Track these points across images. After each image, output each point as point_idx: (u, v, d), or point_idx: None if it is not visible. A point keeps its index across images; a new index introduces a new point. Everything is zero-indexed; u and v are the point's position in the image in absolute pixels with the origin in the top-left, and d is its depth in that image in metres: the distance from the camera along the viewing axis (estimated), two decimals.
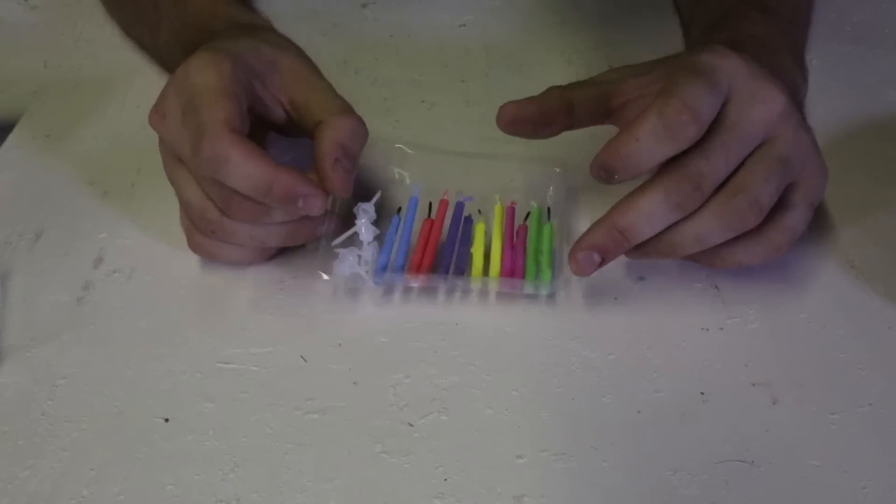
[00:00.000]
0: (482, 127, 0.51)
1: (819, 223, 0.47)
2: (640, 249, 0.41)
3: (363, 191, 0.45)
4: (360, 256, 0.43)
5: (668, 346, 0.41)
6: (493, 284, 0.43)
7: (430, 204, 0.46)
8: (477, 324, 0.42)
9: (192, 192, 0.41)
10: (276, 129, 0.46)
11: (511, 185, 0.48)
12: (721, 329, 0.42)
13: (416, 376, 0.40)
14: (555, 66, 0.60)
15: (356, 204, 0.44)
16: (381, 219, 0.45)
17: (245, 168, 0.38)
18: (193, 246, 0.44)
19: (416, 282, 0.43)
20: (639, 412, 0.38)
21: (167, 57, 0.53)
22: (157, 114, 0.42)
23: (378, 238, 0.44)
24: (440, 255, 0.44)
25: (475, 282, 0.43)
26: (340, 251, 0.43)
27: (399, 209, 0.45)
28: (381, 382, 0.40)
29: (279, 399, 0.39)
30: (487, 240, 0.44)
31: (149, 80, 0.58)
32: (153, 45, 0.57)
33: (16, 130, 0.56)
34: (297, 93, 0.44)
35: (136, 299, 0.44)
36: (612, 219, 0.39)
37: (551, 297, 0.43)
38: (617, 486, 0.35)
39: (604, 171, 0.39)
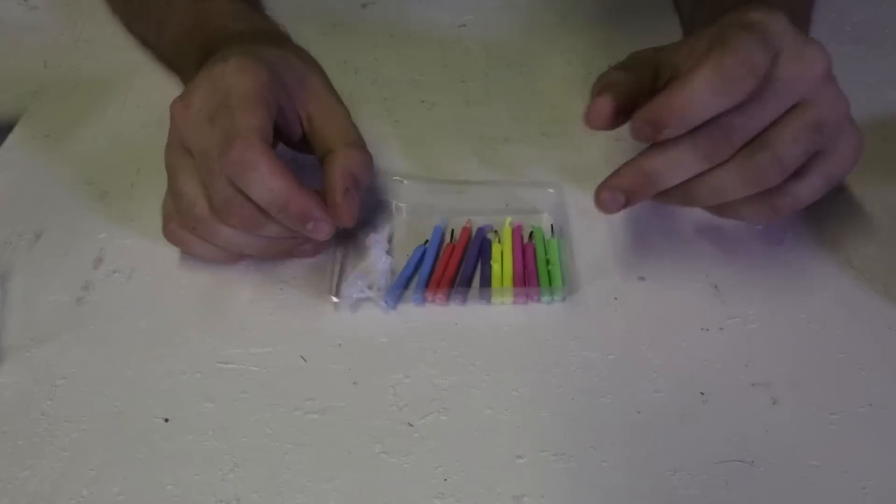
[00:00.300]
0: (482, 127, 0.51)
1: (818, 223, 0.47)
2: (662, 195, 0.40)
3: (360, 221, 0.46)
4: (370, 282, 0.43)
5: (668, 346, 0.41)
6: (510, 296, 0.43)
7: (452, 231, 0.47)
8: (476, 324, 0.42)
9: (190, 183, 0.41)
10: (287, 141, 0.46)
11: (506, 209, 0.48)
12: (721, 329, 0.42)
13: (416, 376, 0.40)
14: (554, 67, 0.60)
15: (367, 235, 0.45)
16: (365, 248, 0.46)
17: (270, 180, 0.39)
18: (167, 233, 0.43)
19: (434, 298, 0.43)
20: (638, 412, 0.38)
21: (174, 54, 0.53)
22: (182, 103, 0.41)
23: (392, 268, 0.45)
24: (460, 272, 0.44)
25: (496, 294, 0.43)
26: (350, 276, 0.43)
27: (426, 241, 0.46)
28: (381, 382, 0.40)
29: (279, 399, 0.39)
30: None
31: (149, 81, 0.58)
32: (158, 42, 0.56)
33: (16, 130, 0.56)
34: (317, 113, 0.44)
35: (136, 299, 0.44)
36: (639, 162, 0.39)
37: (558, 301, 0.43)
38: (617, 487, 0.35)
39: (650, 127, 0.38)
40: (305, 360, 0.41)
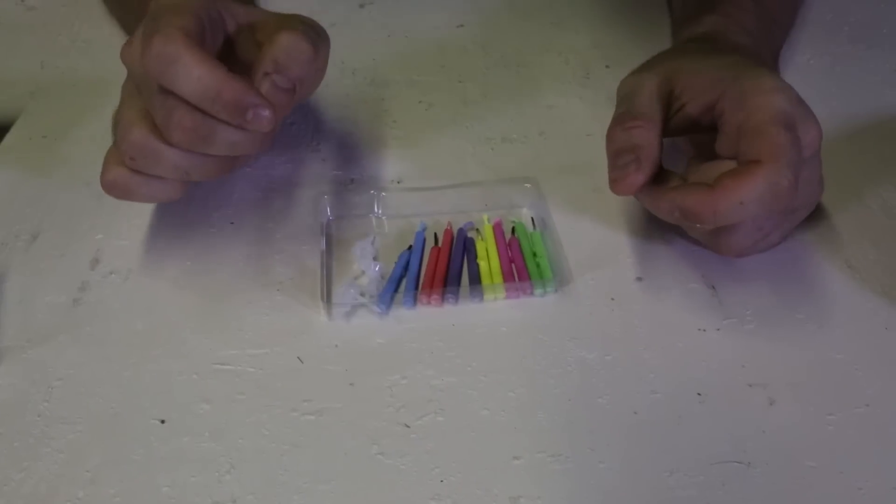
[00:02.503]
0: (480, 127, 0.51)
1: (817, 223, 0.47)
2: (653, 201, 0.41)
3: (355, 232, 0.46)
4: (361, 290, 0.43)
5: (665, 346, 0.41)
6: (502, 291, 0.43)
7: (435, 234, 0.47)
8: (473, 325, 0.42)
9: (131, 111, 0.40)
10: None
11: (486, 207, 0.48)
12: (718, 330, 0.42)
13: (413, 377, 0.40)
14: (552, 66, 0.60)
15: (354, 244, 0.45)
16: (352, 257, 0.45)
17: (195, 69, 0.37)
18: (107, 182, 0.41)
19: (428, 300, 0.43)
20: (635, 413, 0.38)
21: None
22: (126, 43, 0.40)
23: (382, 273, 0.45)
24: (450, 274, 0.44)
25: (487, 291, 0.43)
26: (340, 285, 0.43)
27: (410, 246, 0.46)
28: (378, 383, 0.40)
29: (275, 400, 0.39)
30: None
31: None
32: None
33: (12, 131, 0.55)
34: (261, 20, 0.43)
35: (133, 300, 0.44)
36: (713, 203, 0.38)
37: (550, 295, 0.43)
38: (614, 488, 0.35)
39: (686, 218, 0.39)
40: (302, 362, 0.41)
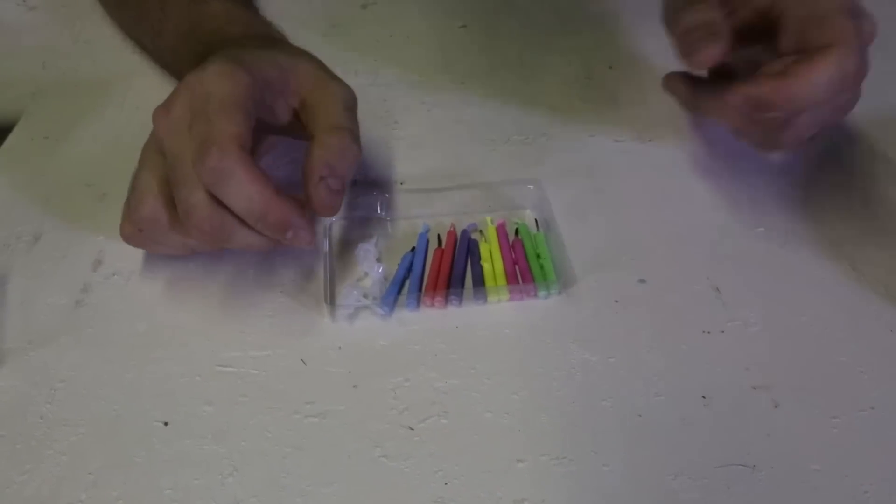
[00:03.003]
0: (483, 128, 0.51)
1: (820, 225, 0.47)
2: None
3: (358, 234, 0.46)
4: (364, 292, 0.43)
5: (669, 348, 0.41)
6: (506, 294, 0.43)
7: (439, 236, 0.47)
8: (476, 327, 0.42)
9: (147, 181, 0.40)
10: (283, 131, 0.45)
11: (489, 209, 0.48)
12: (722, 332, 0.42)
13: (416, 380, 0.40)
14: (554, 67, 0.60)
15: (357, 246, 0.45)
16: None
17: (247, 188, 0.38)
18: (123, 237, 0.42)
19: (432, 303, 0.43)
20: (639, 416, 0.38)
21: (171, 59, 0.53)
22: (164, 110, 0.41)
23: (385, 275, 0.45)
24: (453, 276, 0.44)
25: (491, 293, 0.43)
26: (344, 287, 0.43)
27: (413, 248, 0.46)
28: (381, 386, 0.39)
29: (278, 402, 0.39)
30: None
31: (148, 82, 0.58)
32: (155, 48, 0.56)
33: (14, 132, 0.55)
34: (310, 97, 0.44)
35: (135, 302, 0.44)
36: (787, 88, 0.40)
37: (554, 297, 0.43)
38: (617, 491, 0.35)
39: (758, 108, 0.41)
40: (305, 364, 0.41)
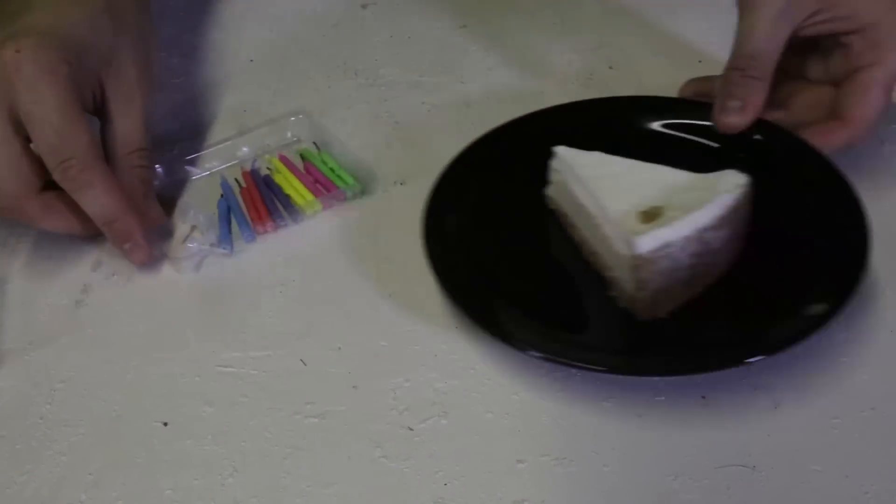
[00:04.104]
0: (483, 128, 0.50)
1: None
2: None
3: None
4: (201, 241, 0.46)
5: None
6: (318, 205, 0.48)
7: (237, 180, 0.50)
8: (475, 326, 0.42)
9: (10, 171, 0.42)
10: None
11: (269, 147, 0.52)
12: None
13: (416, 380, 0.40)
14: (555, 68, 0.60)
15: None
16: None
17: (103, 198, 0.42)
18: None
19: (265, 229, 0.47)
20: (640, 416, 0.38)
21: None
22: None
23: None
24: (268, 204, 0.48)
25: (306, 207, 0.47)
26: (176, 243, 0.46)
27: (221, 195, 0.49)
28: (381, 386, 0.39)
29: (278, 403, 0.39)
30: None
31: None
32: None
33: None
34: (113, 98, 0.45)
35: (135, 303, 0.44)
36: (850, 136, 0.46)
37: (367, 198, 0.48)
38: (617, 491, 0.35)
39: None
40: (305, 364, 0.41)
